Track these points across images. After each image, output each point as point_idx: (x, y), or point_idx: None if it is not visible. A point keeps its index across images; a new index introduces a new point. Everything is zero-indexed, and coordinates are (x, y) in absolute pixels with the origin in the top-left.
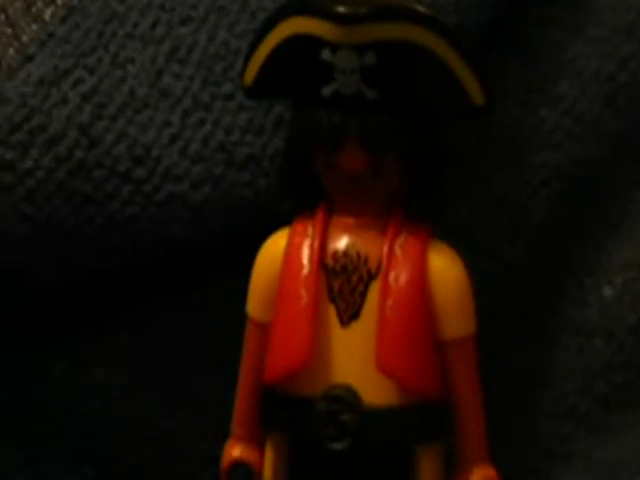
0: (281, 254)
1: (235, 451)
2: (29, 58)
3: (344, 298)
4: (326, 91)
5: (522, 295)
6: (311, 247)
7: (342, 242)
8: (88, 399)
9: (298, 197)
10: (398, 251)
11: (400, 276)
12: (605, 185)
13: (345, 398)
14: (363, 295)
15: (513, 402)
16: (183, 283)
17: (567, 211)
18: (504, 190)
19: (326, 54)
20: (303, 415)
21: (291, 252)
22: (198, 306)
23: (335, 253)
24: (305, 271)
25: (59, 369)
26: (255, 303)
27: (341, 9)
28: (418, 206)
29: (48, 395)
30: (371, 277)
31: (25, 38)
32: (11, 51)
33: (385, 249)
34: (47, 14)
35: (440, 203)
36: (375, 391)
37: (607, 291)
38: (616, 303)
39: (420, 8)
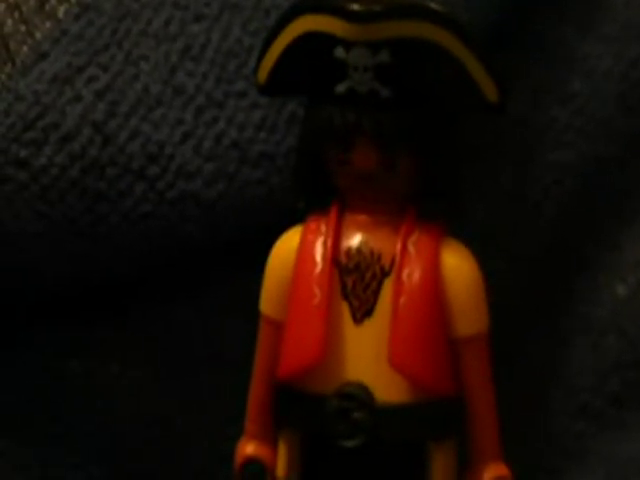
0: (294, 252)
1: (248, 448)
2: (43, 55)
3: (357, 296)
4: (340, 89)
5: (535, 293)
6: (324, 245)
7: (355, 240)
8: (96, 398)
9: (311, 195)
10: (411, 248)
11: (413, 273)
12: (617, 183)
13: (358, 396)
14: (376, 293)
15: (525, 400)
16: (195, 281)
17: (580, 209)
18: (516, 189)
19: (340, 52)
20: (316, 412)
21: (304, 250)
22: (210, 304)
23: (348, 250)
24: (318, 269)
25: (68, 368)
26: (268, 301)
27: (355, 7)
28: (432, 204)
29: (56, 393)
30: (384, 274)
31: (39, 35)
32: (25, 48)
33: (398, 246)
34: (61, 11)
35: (454, 201)
36: (388, 389)
37: (620, 289)
38: (629, 301)
39: (434, 5)
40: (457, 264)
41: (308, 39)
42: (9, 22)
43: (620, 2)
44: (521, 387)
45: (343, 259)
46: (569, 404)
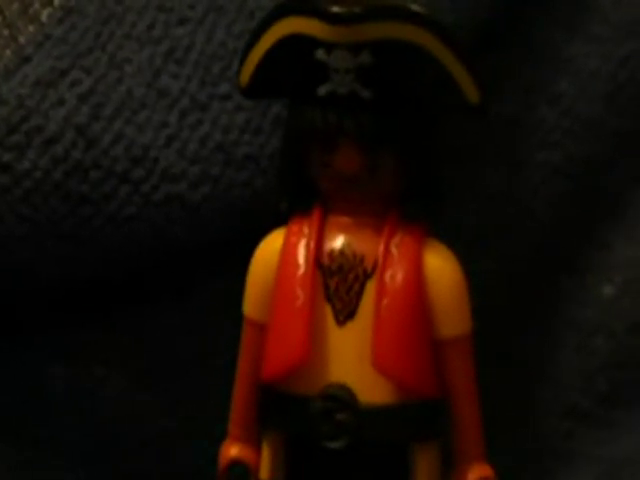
0: (277, 254)
1: (232, 451)
2: (26, 59)
3: (340, 297)
4: (321, 91)
5: (522, 293)
6: (307, 247)
7: (338, 241)
8: (85, 400)
9: (294, 196)
10: (394, 250)
11: (396, 275)
12: (605, 184)
13: (341, 397)
14: (359, 294)
15: (514, 400)
16: (181, 283)
17: (568, 210)
18: (504, 189)
19: (321, 54)
20: (299, 414)
21: (287, 252)
22: (196, 306)
23: (331, 252)
24: (301, 271)
25: (53, 371)
26: (251, 303)
27: (335, 9)
28: (415, 205)
29: (41, 397)
30: (367, 276)
31: (22, 39)
32: (8, 52)
33: (381, 248)
34: (44, 15)
35: (437, 203)
36: (371, 390)
37: (608, 289)
38: (617, 301)
39: (415, 7)
40: (440, 265)
41: (290, 41)
42: None
43: (608, 2)
44: (509, 387)
45: (326, 261)
46: (557, 404)
